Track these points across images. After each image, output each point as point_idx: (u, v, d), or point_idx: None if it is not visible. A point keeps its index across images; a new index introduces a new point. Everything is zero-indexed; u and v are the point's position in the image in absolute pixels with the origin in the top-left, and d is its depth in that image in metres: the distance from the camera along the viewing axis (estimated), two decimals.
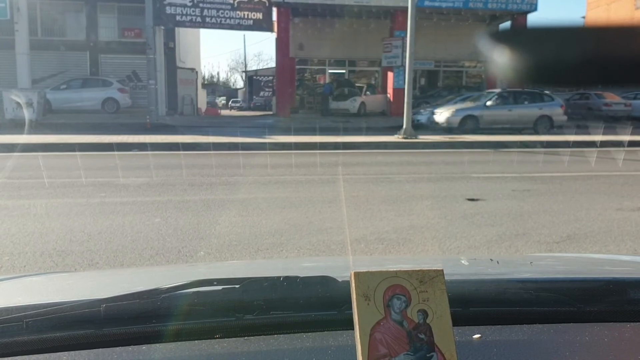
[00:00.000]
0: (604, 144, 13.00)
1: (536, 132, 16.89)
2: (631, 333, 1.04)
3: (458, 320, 0.87)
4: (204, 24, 22.81)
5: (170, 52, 25.13)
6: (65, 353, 0.94)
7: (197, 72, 28.34)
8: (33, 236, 4.97)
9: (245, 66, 54.49)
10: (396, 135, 14.85)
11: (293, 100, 25.99)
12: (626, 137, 13.51)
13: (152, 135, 14.15)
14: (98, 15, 25.07)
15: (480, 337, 0.99)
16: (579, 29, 0.49)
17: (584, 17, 34.70)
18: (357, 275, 0.82)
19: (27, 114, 16.00)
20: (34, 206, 6.24)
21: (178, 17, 21.84)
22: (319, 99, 26.27)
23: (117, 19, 25.47)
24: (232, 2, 22.13)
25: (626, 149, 12.73)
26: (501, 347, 0.97)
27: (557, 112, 17.67)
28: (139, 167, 9.43)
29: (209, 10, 22.00)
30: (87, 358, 0.93)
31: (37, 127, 14.89)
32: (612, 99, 23.85)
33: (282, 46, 23.91)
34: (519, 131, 16.96)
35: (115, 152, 11.01)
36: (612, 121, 20.37)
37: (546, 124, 17.28)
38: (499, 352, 0.95)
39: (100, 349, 0.95)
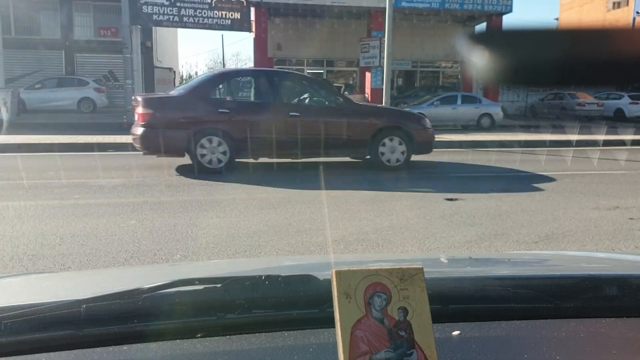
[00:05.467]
0: (579, 143, 13.22)
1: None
2: (606, 328, 1.06)
3: (438, 317, 0.88)
4: (181, 24, 22.65)
5: (148, 52, 24.92)
6: (45, 354, 0.93)
7: (174, 72, 28.19)
8: (2, 240, 4.86)
9: (224, 66, 54.21)
10: None
11: None
12: (600, 137, 13.75)
13: (128, 135, 13.94)
14: (74, 14, 24.74)
15: (459, 334, 1.01)
16: (554, 31, 0.50)
17: (557, 19, 35.20)
18: (339, 273, 0.82)
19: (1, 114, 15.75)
20: (4, 208, 6.13)
21: (155, 17, 21.66)
22: None
23: (93, 18, 25.17)
24: (210, 1, 22.01)
25: (601, 148, 12.95)
26: (480, 344, 0.98)
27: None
28: (114, 168, 9.31)
29: (187, 10, 21.86)
30: (67, 359, 0.92)
31: (11, 127, 14.64)
32: (585, 98, 24.29)
33: (260, 46, 23.84)
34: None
35: (91, 153, 10.89)
36: (586, 120, 20.75)
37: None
38: (477, 348, 0.96)
39: (80, 350, 0.94)
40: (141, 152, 8.82)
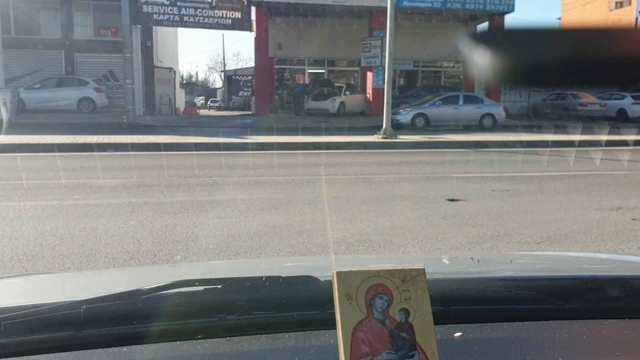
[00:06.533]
0: (581, 143, 13.21)
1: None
2: (608, 330, 1.06)
3: (439, 318, 0.87)
4: (182, 23, 22.65)
5: (148, 51, 24.87)
6: (45, 355, 0.92)
7: (175, 72, 28.14)
8: (2, 241, 4.86)
9: (224, 66, 54.23)
10: (376, 135, 14.90)
11: (272, 100, 25.95)
12: (603, 137, 13.73)
13: (128, 135, 13.97)
14: (74, 14, 24.70)
15: (461, 335, 1.00)
16: (556, 31, 0.50)
17: (559, 19, 35.19)
18: (340, 274, 0.82)
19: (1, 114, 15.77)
20: (4, 209, 6.12)
21: (155, 16, 21.66)
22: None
23: (93, 18, 25.13)
24: (210, 1, 22.01)
25: (603, 148, 12.92)
26: (482, 345, 0.97)
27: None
28: (114, 168, 9.31)
29: (187, 9, 21.86)
30: None
31: (10, 127, 14.64)
32: (588, 99, 24.25)
33: (261, 46, 23.83)
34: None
35: (91, 153, 10.88)
36: (589, 121, 20.72)
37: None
38: (479, 349, 0.96)
39: (80, 351, 0.94)
40: None
